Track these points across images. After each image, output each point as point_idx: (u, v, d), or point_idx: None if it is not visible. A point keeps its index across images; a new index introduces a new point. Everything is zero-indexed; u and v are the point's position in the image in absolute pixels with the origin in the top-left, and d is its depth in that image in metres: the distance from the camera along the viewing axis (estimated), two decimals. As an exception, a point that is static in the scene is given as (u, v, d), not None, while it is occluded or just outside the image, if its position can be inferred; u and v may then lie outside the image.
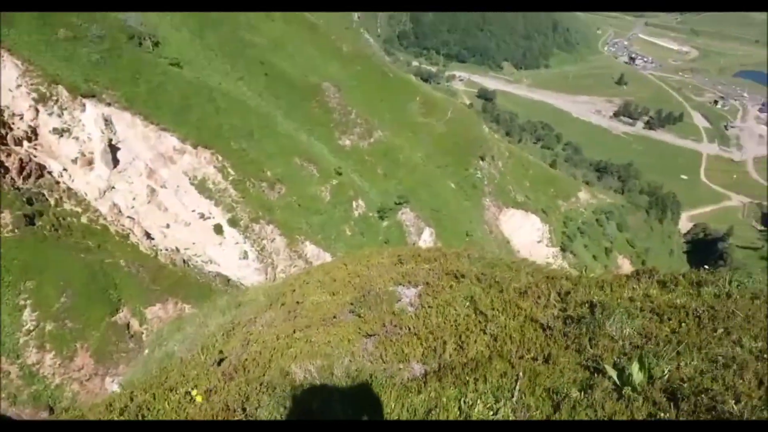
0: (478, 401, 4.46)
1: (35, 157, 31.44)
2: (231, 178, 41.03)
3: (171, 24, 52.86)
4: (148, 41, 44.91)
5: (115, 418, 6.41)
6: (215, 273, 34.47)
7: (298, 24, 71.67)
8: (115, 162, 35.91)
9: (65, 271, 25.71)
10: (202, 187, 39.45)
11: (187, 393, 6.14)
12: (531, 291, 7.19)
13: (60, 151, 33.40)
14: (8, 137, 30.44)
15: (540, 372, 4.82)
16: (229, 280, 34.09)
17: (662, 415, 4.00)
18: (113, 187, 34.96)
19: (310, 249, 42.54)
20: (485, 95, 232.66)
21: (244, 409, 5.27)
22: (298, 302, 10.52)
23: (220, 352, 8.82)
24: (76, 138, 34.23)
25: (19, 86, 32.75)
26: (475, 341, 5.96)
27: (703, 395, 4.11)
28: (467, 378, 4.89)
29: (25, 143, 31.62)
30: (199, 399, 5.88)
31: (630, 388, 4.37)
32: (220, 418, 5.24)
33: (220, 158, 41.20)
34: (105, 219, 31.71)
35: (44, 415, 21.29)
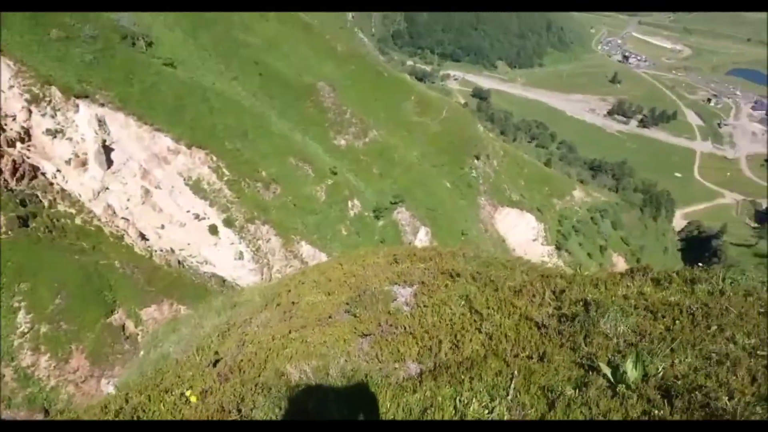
0: (474, 400, 4.47)
1: (28, 158, 31.27)
2: (226, 178, 40.93)
3: (164, 24, 52.68)
4: (141, 41, 44.75)
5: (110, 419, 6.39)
6: (210, 274, 34.39)
7: (292, 24, 71.58)
8: (109, 163, 35.76)
9: (60, 272, 25.60)
10: (196, 187, 39.34)
11: (182, 394, 6.13)
12: (526, 289, 7.21)
13: (53, 152, 33.23)
14: (1, 138, 30.27)
15: (535, 370, 4.84)
16: (224, 280, 34.03)
17: (656, 412, 4.02)
18: (107, 188, 34.81)
19: (305, 249, 42.50)
20: (480, 94, 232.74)
21: (239, 410, 5.26)
22: (293, 302, 10.51)
23: (216, 353, 8.81)
24: (70, 139, 34.07)
25: (11, 87, 32.56)
26: (471, 340, 5.97)
27: (696, 392, 4.13)
28: (462, 377, 4.90)
29: (18, 144, 31.44)
30: (193, 399, 5.87)
31: (624, 385, 4.39)
32: (215, 419, 5.23)
33: (214, 158, 41.09)
34: (99, 220, 31.59)
35: (39, 418, 21.19)
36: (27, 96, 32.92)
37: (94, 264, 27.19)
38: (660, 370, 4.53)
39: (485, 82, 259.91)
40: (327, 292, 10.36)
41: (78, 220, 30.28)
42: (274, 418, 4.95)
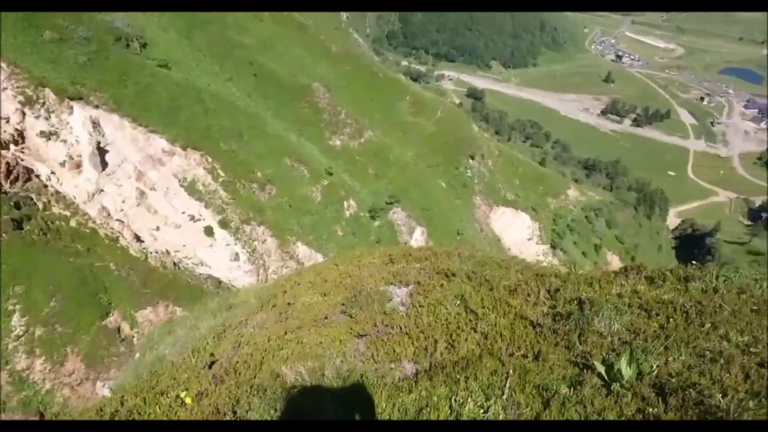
0: (469, 399, 4.48)
1: (22, 160, 31.11)
2: (221, 179, 40.85)
3: (158, 25, 52.54)
4: (135, 43, 44.62)
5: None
6: (206, 275, 34.31)
7: (286, 24, 71.52)
8: (104, 165, 35.63)
9: (54, 275, 25.48)
10: (191, 188, 39.24)
11: (178, 396, 6.12)
12: (521, 289, 7.23)
13: (48, 155, 33.07)
14: (-6, 141, 30.12)
15: (530, 369, 4.85)
16: (220, 282, 33.95)
17: (651, 410, 4.04)
18: (102, 190, 34.68)
19: (301, 250, 42.45)
20: (474, 94, 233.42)
21: (234, 412, 5.25)
22: (289, 303, 10.50)
23: (211, 354, 8.79)
24: (64, 141, 33.92)
25: (4, 89, 32.39)
26: (466, 339, 5.98)
27: (690, 390, 4.16)
28: (458, 376, 4.91)
29: (12, 147, 31.27)
30: (188, 400, 5.86)
31: (619, 384, 4.41)
32: (212, 420, 5.23)
33: (209, 160, 41.01)
34: (94, 222, 31.46)
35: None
36: (20, 98, 32.76)
37: (89, 266, 27.06)
38: (654, 368, 4.55)
39: (480, 82, 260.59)
40: (323, 292, 10.36)
41: (73, 223, 30.15)
42: (269, 419, 4.95)
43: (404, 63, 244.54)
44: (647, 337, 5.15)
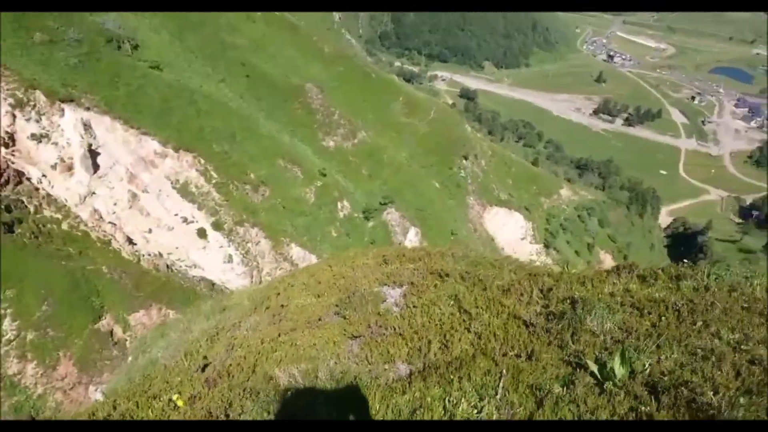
0: (463, 400, 4.49)
1: (13, 163, 30.87)
2: (214, 181, 40.69)
3: (150, 27, 52.31)
4: (126, 44, 44.39)
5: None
6: (199, 277, 34.17)
7: (278, 25, 71.40)
8: (95, 167, 35.41)
9: (46, 278, 25.30)
10: (184, 190, 39.06)
11: (170, 400, 6.09)
12: (514, 288, 7.24)
13: (39, 157, 32.83)
14: (-16, 144, 29.86)
15: (523, 369, 4.86)
16: (213, 284, 33.82)
17: (643, 408, 4.06)
18: (94, 193, 34.46)
19: (295, 251, 42.36)
20: (467, 95, 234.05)
21: (227, 416, 5.23)
22: (282, 305, 10.47)
23: (204, 357, 8.74)
24: (55, 143, 33.68)
25: (-6, 91, 32.14)
26: (460, 340, 5.98)
27: (683, 388, 4.18)
28: (451, 377, 4.91)
29: (3, 149, 31.01)
30: (180, 404, 5.83)
31: (611, 382, 4.42)
32: (209, 420, 5.20)
33: (202, 161, 40.85)
34: (86, 225, 31.26)
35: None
36: (11, 100, 32.50)
37: (81, 269, 26.89)
38: (647, 366, 4.57)
39: (472, 82, 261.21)
40: (316, 294, 10.33)
41: (64, 226, 29.95)
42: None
43: (397, 64, 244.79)
44: (639, 335, 5.17)
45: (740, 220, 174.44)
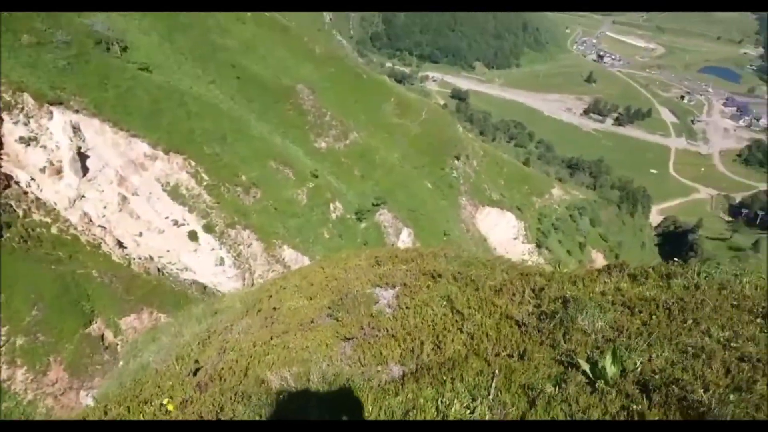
0: (455, 400, 4.48)
1: (1, 167, 30.55)
2: (205, 183, 40.47)
3: (139, 28, 51.96)
4: (116, 46, 44.04)
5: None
6: (191, 280, 33.99)
7: (269, 26, 71.17)
8: (85, 170, 35.11)
9: (35, 283, 25.06)
10: (175, 193, 38.82)
11: (162, 405, 6.04)
12: (506, 288, 7.26)
13: (27, 161, 32.51)
14: (-29, 147, 29.53)
15: (515, 369, 4.87)
16: (205, 287, 33.65)
17: (635, 407, 4.07)
18: (83, 196, 34.17)
19: (287, 253, 42.22)
20: (458, 95, 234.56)
21: (218, 420, 5.19)
22: (275, 308, 10.43)
23: (196, 361, 8.69)
24: (44, 146, 33.36)
25: (-19, 95, 31.79)
26: (452, 340, 5.98)
27: (674, 386, 4.20)
28: (444, 377, 4.91)
29: (-10, 153, 30.71)
30: (170, 408, 5.79)
31: (603, 381, 4.44)
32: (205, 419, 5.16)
33: (192, 163, 40.61)
34: (75, 229, 31.00)
35: None
36: (-2, 103, 32.17)
37: (71, 273, 26.67)
38: (638, 364, 4.59)
39: (463, 83, 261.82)
40: (309, 296, 10.30)
41: (54, 229, 29.68)
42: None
43: (388, 64, 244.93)
44: (631, 334, 5.20)
45: (730, 218, 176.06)
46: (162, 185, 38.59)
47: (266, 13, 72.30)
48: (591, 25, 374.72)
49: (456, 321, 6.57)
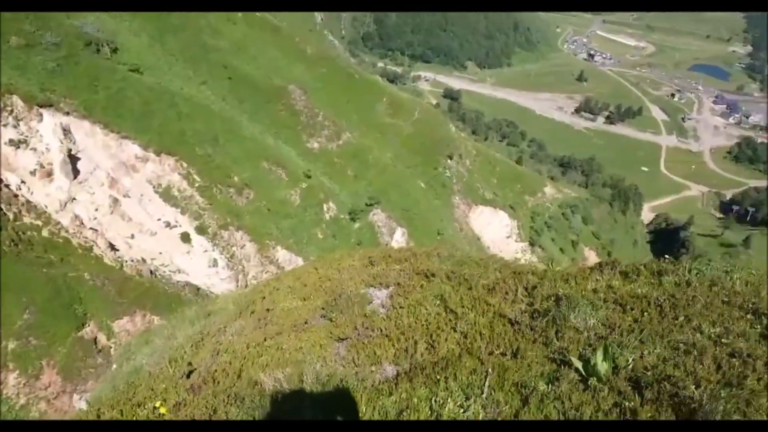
0: (449, 400, 4.49)
1: (-10, 170, 30.29)
2: (197, 184, 40.30)
3: (130, 29, 51.65)
4: (106, 47, 43.75)
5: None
6: (184, 282, 33.82)
7: (260, 27, 70.96)
8: (76, 172, 34.87)
9: (27, 287, 24.87)
10: (167, 194, 38.63)
11: (155, 408, 6.01)
12: (499, 287, 7.28)
13: (17, 164, 32.24)
14: (-41, 150, 29.25)
15: (509, 367, 4.88)
16: (198, 289, 33.51)
17: (627, 404, 4.10)
18: (74, 199, 33.94)
19: (281, 254, 42.12)
20: (451, 95, 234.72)
21: (211, 421, 5.17)
22: (268, 309, 10.40)
23: (189, 364, 8.65)
24: (34, 149, 33.10)
25: (-31, 97, 31.50)
26: (446, 339, 5.99)
27: (665, 382, 4.23)
28: (438, 377, 4.92)
29: (-22, 156, 30.43)
30: (163, 410, 5.76)
31: (595, 378, 4.46)
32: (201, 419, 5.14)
33: (184, 165, 40.42)
34: (67, 231, 30.77)
35: None
36: (-14, 106, 31.89)
37: (63, 277, 26.48)
38: (630, 361, 4.62)
39: (455, 82, 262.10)
40: (302, 297, 10.28)
41: (45, 233, 29.44)
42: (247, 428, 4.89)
43: (380, 64, 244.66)
44: (622, 331, 5.23)
45: (721, 215, 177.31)
46: (154, 187, 38.40)
47: (257, 14, 72.07)
48: (581, 25, 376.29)
49: (449, 320, 6.58)
